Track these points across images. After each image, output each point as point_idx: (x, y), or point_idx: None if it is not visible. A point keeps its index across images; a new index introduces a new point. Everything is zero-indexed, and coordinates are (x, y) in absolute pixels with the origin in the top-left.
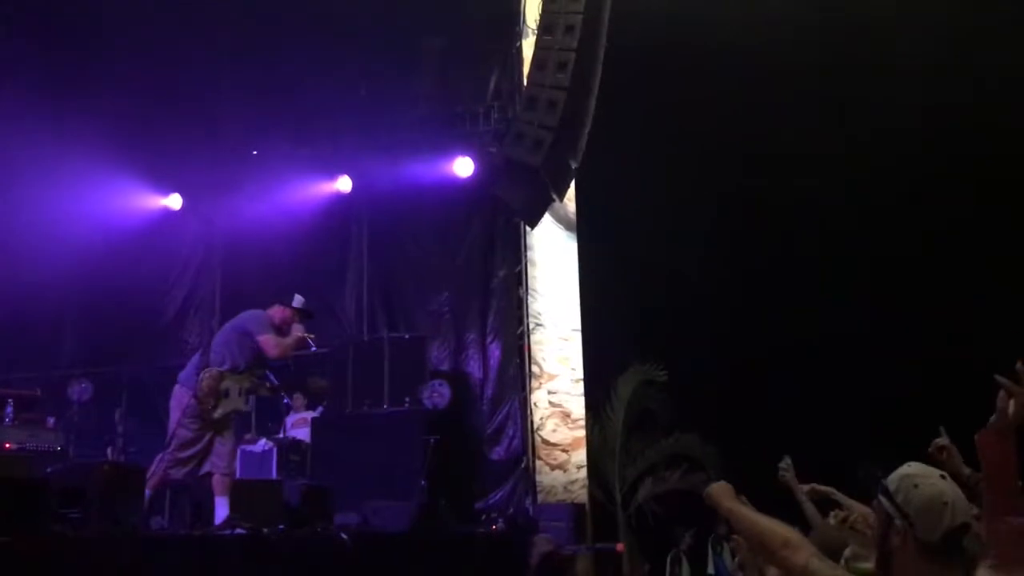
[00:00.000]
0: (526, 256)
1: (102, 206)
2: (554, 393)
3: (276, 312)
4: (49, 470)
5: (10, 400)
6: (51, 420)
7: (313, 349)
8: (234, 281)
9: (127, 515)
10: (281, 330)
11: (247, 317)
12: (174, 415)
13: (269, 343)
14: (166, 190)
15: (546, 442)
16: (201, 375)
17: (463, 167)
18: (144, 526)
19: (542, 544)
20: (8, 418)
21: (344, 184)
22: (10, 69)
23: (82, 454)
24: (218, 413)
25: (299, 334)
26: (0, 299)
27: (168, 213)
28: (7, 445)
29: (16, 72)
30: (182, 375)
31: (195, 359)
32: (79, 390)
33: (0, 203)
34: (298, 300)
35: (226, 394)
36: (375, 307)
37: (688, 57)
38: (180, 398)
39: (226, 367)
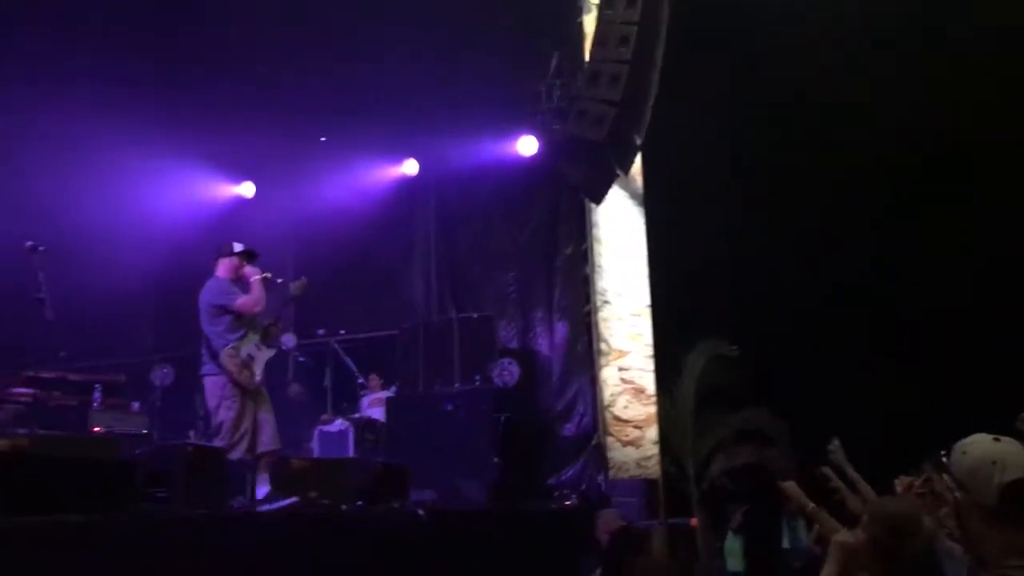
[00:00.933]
0: (591, 233)
1: (178, 195)
2: (626, 370)
3: (225, 268)
4: (136, 452)
5: (97, 386)
6: (135, 404)
7: (279, 281)
8: (306, 265)
9: (210, 495)
10: (240, 281)
11: (209, 294)
12: (212, 404)
13: (246, 305)
14: (239, 178)
15: (618, 419)
16: (222, 360)
17: (527, 145)
18: (226, 505)
19: (609, 518)
20: (96, 403)
21: (411, 167)
22: (88, 63)
23: (165, 437)
24: (259, 376)
25: (257, 278)
26: (85, 289)
27: (241, 201)
28: (95, 428)
29: (93, 66)
30: (204, 370)
31: (204, 354)
32: (161, 375)
33: (81, 195)
34: (237, 245)
35: (251, 359)
36: (443, 288)
37: (757, 27)
38: (214, 388)
39: (232, 344)
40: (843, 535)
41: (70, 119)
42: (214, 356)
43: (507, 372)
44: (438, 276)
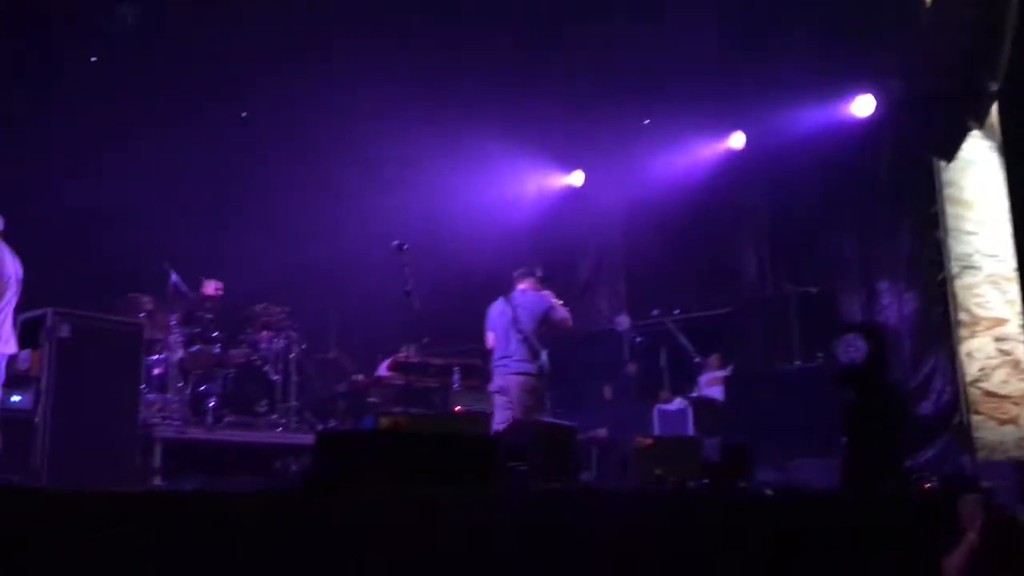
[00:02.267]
0: (942, 194)
1: (517, 189)
2: (1003, 340)
3: (529, 286)
4: (494, 430)
5: (456, 368)
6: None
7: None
8: (636, 248)
9: (562, 468)
10: None
11: (546, 303)
12: (528, 398)
13: (569, 320)
14: (568, 168)
15: (992, 394)
16: (543, 361)
17: (863, 106)
18: (576, 478)
19: (971, 504)
20: (455, 384)
21: (737, 141)
22: (423, 60)
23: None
24: None
25: (558, 302)
26: (441, 281)
27: (572, 190)
28: (456, 408)
29: (429, 64)
30: (525, 368)
31: (518, 352)
32: None
33: (431, 193)
34: (539, 270)
35: None
36: (777, 262)
37: None
38: (537, 385)
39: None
40: None
41: (414, 122)
42: (536, 356)
43: (853, 348)
44: (771, 250)
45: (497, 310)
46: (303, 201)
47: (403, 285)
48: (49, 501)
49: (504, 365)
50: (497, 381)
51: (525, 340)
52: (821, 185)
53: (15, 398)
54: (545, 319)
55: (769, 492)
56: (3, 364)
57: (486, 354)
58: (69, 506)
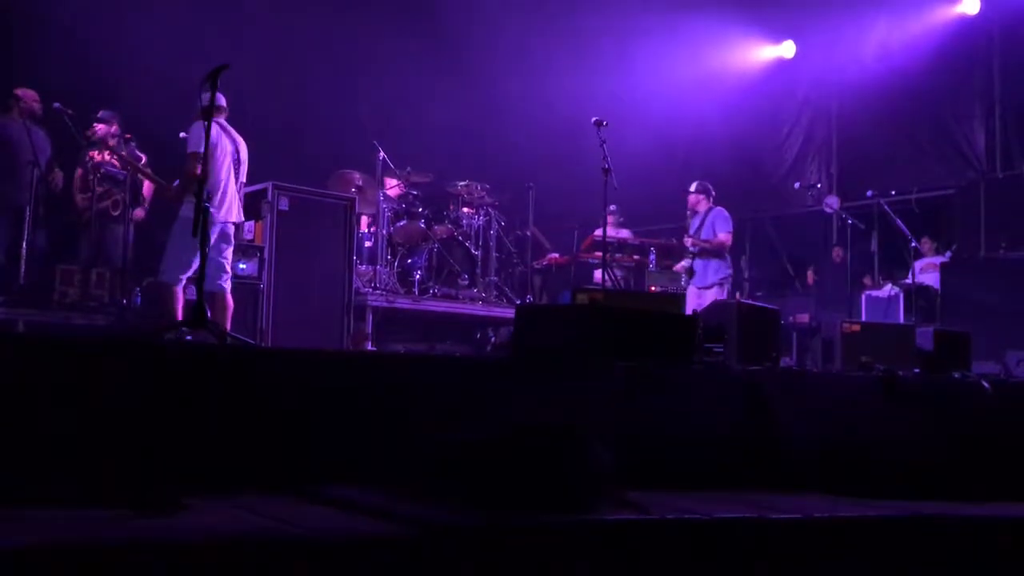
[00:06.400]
0: None
1: (717, 61)
2: None
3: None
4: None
5: (652, 249)
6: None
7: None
8: (849, 124)
9: (762, 351)
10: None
11: None
12: None
13: None
14: (779, 38)
15: None
16: None
17: None
18: (777, 362)
19: None
20: (651, 264)
21: (970, 6)
22: None
23: None
24: None
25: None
26: (638, 159)
27: (781, 62)
28: (651, 288)
29: None
30: None
31: None
32: None
33: (633, 67)
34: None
35: None
36: (1009, 140)
37: None
38: None
39: None
40: None
41: None
42: None
43: None
44: (1004, 127)
45: None
46: (503, 80)
47: (601, 163)
48: (278, 360)
49: None
50: None
51: None
52: None
53: (242, 266)
54: None
55: (986, 385)
56: (229, 231)
57: (680, 235)
58: (296, 364)
